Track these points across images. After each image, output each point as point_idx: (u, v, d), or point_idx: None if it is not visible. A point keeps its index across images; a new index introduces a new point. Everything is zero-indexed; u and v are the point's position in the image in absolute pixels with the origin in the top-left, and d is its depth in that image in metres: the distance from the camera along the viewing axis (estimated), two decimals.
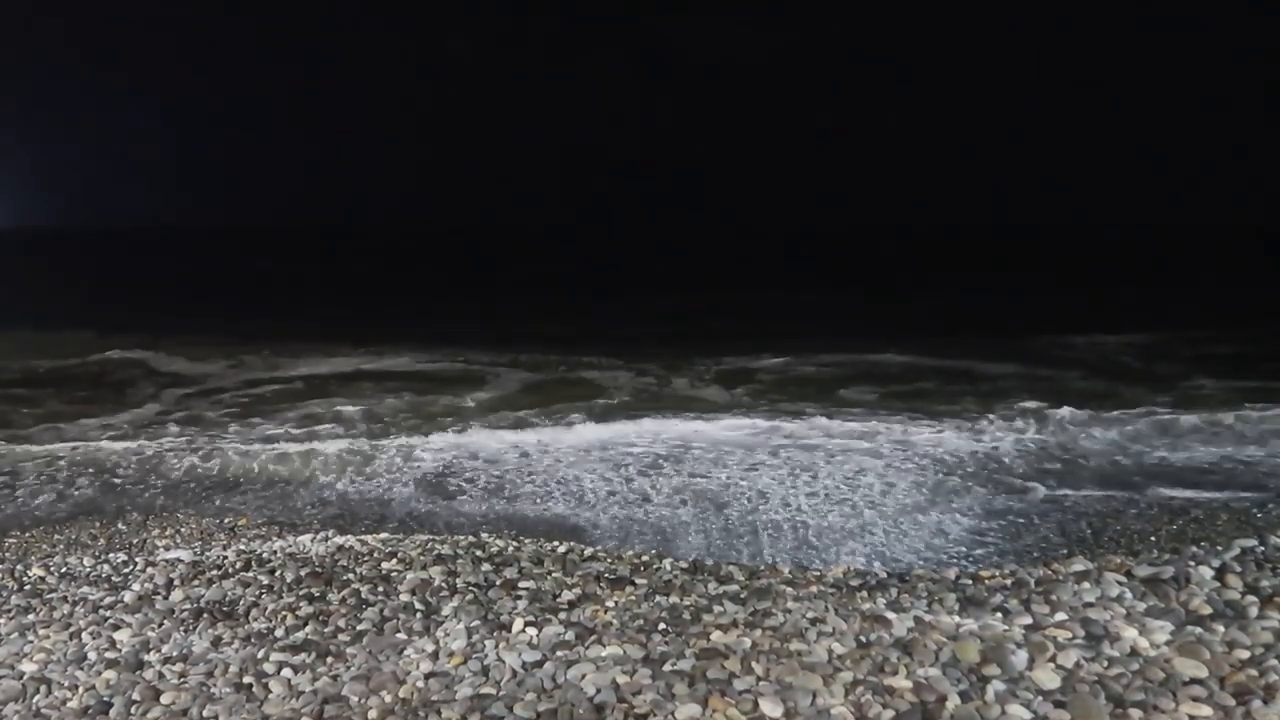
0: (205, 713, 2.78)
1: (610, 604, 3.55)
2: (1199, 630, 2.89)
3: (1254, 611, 3.00)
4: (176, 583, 4.09)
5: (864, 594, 3.54)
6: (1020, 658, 2.77)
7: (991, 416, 10.82)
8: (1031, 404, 11.52)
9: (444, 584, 3.90)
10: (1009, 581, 3.52)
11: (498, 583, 3.90)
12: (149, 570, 4.43)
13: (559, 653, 3.05)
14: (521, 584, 3.85)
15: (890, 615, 3.17)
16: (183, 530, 7.02)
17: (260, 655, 3.19)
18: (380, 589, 3.86)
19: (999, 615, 3.15)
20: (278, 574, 4.17)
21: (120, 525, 7.32)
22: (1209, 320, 21.98)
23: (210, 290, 33.44)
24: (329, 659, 3.15)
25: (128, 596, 3.93)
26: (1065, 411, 10.92)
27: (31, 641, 3.42)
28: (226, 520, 7.45)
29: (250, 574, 4.19)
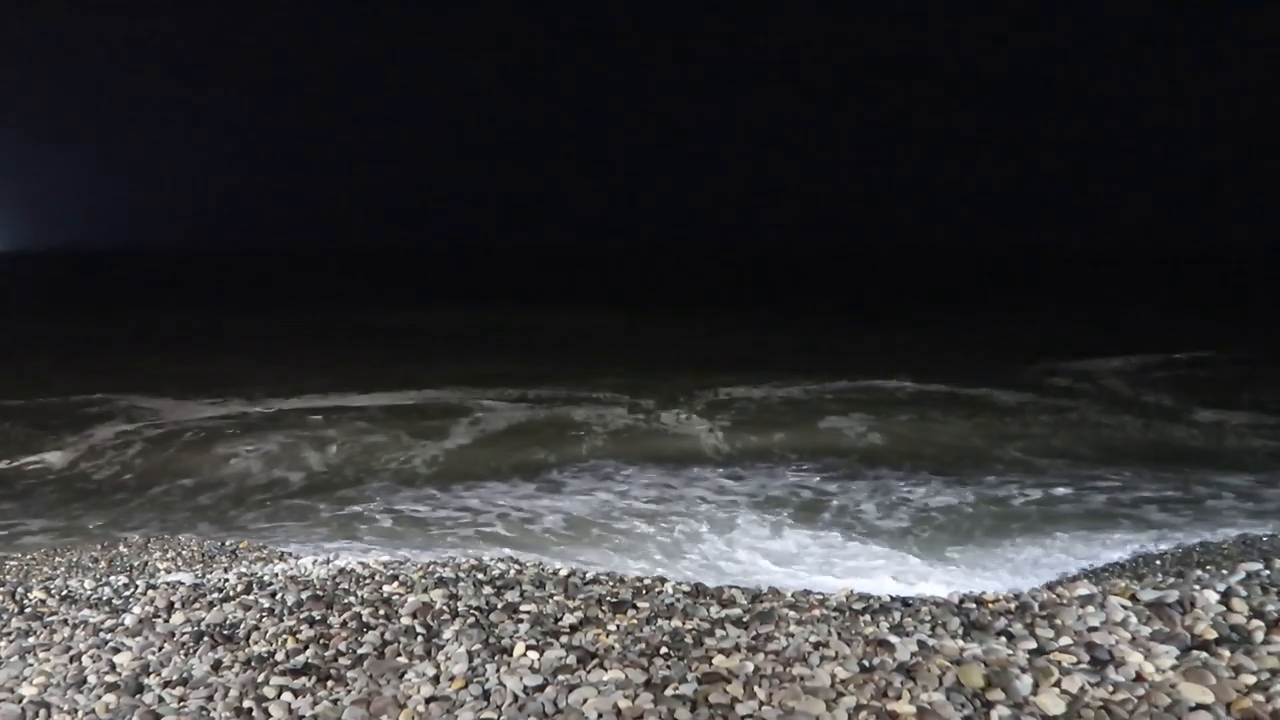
0: None
1: (612, 627, 3.53)
2: (1204, 655, 2.87)
3: (1260, 636, 2.98)
4: (177, 606, 4.08)
5: (867, 618, 3.52)
6: (1024, 682, 2.75)
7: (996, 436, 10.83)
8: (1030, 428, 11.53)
9: (445, 607, 3.88)
10: (1013, 606, 3.50)
11: (499, 606, 3.88)
12: (150, 593, 4.42)
13: (560, 676, 3.04)
14: (523, 607, 3.84)
15: (894, 639, 3.15)
16: (184, 553, 7.01)
17: (260, 679, 3.17)
18: (381, 612, 3.84)
19: (1003, 639, 3.13)
20: (278, 597, 4.15)
21: (121, 548, 7.32)
22: (1199, 344, 22.01)
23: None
24: (329, 683, 3.14)
25: (128, 619, 3.92)
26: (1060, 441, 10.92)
27: (31, 665, 3.41)
28: (228, 543, 7.44)
29: (251, 597, 4.18)
